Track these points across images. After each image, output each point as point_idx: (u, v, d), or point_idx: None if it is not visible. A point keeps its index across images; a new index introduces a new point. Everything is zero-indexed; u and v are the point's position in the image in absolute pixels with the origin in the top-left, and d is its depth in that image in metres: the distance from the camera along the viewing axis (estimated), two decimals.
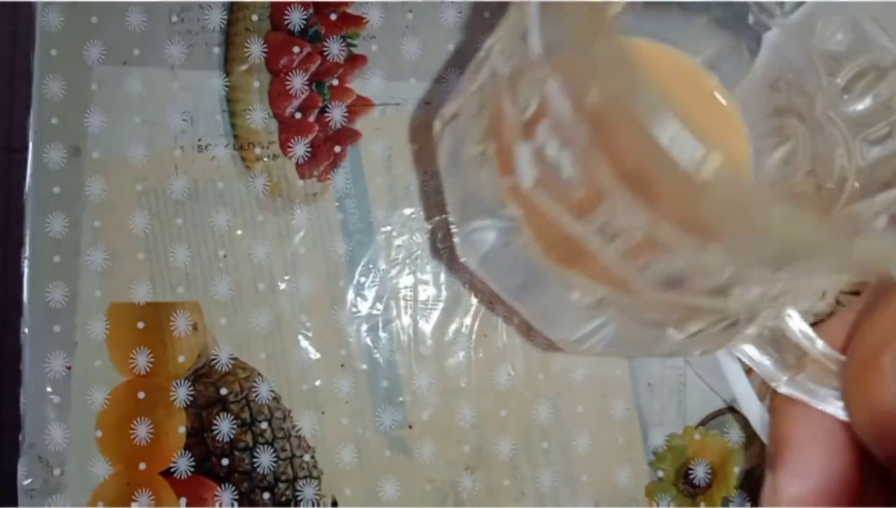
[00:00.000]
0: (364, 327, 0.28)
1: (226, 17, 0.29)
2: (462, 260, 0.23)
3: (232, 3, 0.29)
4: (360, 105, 0.29)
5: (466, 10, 0.30)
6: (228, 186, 0.28)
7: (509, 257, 0.21)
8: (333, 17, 0.29)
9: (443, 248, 0.29)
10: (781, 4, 0.22)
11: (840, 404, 0.19)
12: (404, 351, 0.28)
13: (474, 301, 0.29)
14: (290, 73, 0.29)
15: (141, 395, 0.27)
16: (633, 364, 0.29)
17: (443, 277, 0.29)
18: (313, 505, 0.28)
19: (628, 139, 0.14)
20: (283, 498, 0.28)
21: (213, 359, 0.28)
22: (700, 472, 0.29)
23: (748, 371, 0.23)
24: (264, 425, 0.28)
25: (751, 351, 0.20)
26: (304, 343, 0.28)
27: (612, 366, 0.29)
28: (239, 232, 0.28)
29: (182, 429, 0.27)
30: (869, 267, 0.14)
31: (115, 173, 0.28)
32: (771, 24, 0.22)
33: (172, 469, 0.27)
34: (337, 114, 0.29)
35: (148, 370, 0.28)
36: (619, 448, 0.28)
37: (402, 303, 0.29)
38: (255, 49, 0.29)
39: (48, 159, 0.28)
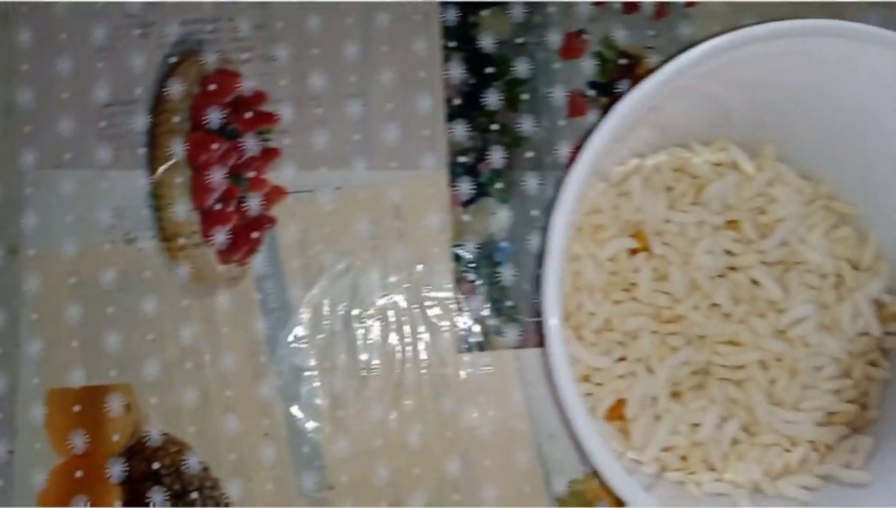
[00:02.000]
0: (284, 397, 0.31)
1: (149, 119, 0.32)
2: None
3: (154, 107, 0.32)
4: (275, 193, 0.32)
5: (370, 102, 0.33)
6: (155, 275, 0.31)
7: None
8: (249, 115, 0.32)
9: (361, 320, 0.31)
10: None
11: None
12: (322, 417, 0.31)
13: (385, 368, 0.31)
14: (210, 168, 0.32)
15: (79, 474, 0.30)
16: (534, 417, 0.31)
17: (358, 347, 0.31)
18: None
19: None
20: None
21: (146, 436, 0.30)
22: None
23: None
24: (195, 495, 0.30)
25: None
26: (229, 415, 0.30)
27: (516, 421, 0.31)
28: (166, 316, 0.31)
29: (118, 504, 0.30)
30: None
31: (50, 268, 0.31)
32: None
33: None
34: (254, 203, 0.32)
35: (85, 450, 0.30)
36: (525, 497, 0.31)
37: (319, 374, 0.31)
38: (177, 148, 0.32)
39: None
